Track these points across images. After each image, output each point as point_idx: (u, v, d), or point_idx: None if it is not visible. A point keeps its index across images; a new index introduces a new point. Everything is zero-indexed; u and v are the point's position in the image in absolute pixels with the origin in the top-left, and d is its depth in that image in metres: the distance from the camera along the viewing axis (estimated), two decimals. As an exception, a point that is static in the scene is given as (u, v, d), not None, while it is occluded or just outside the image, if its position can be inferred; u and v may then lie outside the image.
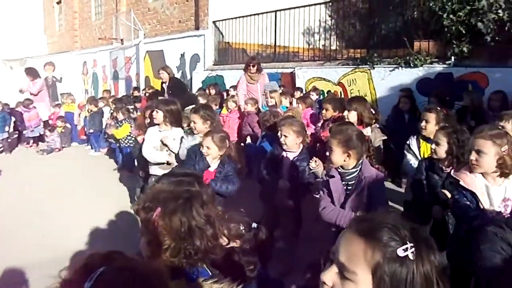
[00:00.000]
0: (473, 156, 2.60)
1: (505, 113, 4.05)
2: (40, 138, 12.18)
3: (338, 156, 2.98)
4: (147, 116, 5.94)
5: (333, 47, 9.95)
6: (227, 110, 8.08)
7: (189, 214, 1.54)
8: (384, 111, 7.39)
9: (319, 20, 10.15)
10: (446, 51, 7.27)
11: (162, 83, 8.84)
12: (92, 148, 11.37)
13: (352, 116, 4.18)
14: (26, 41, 20.95)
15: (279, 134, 4.11)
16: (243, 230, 2.64)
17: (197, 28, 12.31)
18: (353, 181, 3.04)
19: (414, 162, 4.00)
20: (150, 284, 1.06)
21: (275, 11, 10.15)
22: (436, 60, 7.42)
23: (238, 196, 6.24)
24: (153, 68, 14.07)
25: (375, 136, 4.24)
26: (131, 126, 8.47)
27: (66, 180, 8.02)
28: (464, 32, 6.91)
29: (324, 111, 5.57)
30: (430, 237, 1.06)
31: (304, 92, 8.69)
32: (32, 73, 12.16)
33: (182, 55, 12.87)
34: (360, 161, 3.05)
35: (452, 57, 7.17)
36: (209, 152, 3.79)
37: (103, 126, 10.86)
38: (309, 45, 10.85)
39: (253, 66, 7.78)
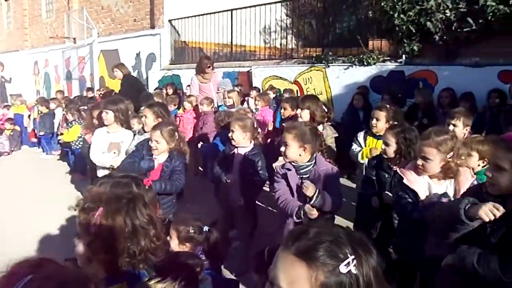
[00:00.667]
0: (420, 161, 2.66)
1: (456, 111, 4.14)
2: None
3: (294, 150, 3.03)
4: (94, 116, 5.77)
5: (290, 46, 10.02)
6: (183, 110, 7.97)
7: (133, 214, 1.52)
8: (339, 109, 7.53)
9: (276, 19, 10.18)
10: (398, 50, 7.46)
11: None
12: (43, 151, 10.93)
13: (304, 114, 4.21)
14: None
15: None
16: (193, 233, 2.63)
17: (152, 27, 12.08)
18: (308, 175, 3.11)
19: (358, 150, 4.22)
20: None
21: (231, 10, 10.10)
22: (389, 58, 7.59)
23: (195, 196, 6.23)
24: (108, 68, 13.70)
25: (327, 133, 4.28)
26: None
27: (16, 184, 7.67)
28: (414, 31, 7.10)
29: (282, 110, 5.59)
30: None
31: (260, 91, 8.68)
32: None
33: (138, 55, 12.60)
34: (314, 155, 3.11)
35: (404, 56, 7.36)
36: (157, 147, 3.68)
37: (55, 128, 10.49)
38: (265, 44, 10.84)
39: (209, 67, 7.70)
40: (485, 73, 6.60)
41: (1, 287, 1.01)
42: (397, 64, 7.46)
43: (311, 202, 2.97)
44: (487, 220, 1.76)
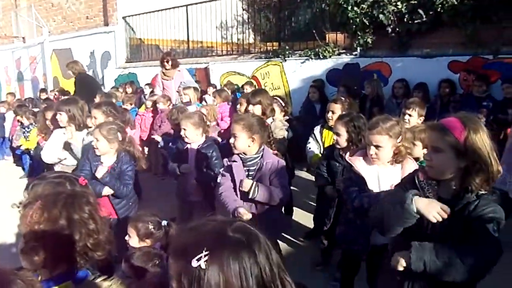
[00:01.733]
0: (372, 150, 2.66)
1: (411, 102, 4.21)
2: None
3: (242, 141, 3.04)
4: (48, 118, 5.54)
5: (248, 41, 9.96)
6: (145, 109, 7.81)
7: (71, 208, 1.53)
8: (297, 103, 7.57)
9: (233, 14, 10.10)
10: (353, 43, 7.55)
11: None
12: (-5, 158, 10.46)
13: (256, 109, 4.18)
14: None
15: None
16: (153, 229, 2.66)
17: (106, 24, 11.73)
18: (255, 167, 3.10)
19: (314, 148, 4.25)
20: None
21: (186, 6, 9.93)
22: (344, 51, 7.68)
23: (155, 196, 6.11)
24: (61, 68, 13.23)
25: (275, 125, 4.27)
26: (39, 130, 7.89)
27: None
28: (367, 23, 7.21)
29: (239, 106, 5.55)
30: (251, 241, 1.06)
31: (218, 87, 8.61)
32: None
33: (92, 53, 12.23)
34: (262, 147, 3.12)
35: (358, 48, 7.46)
36: (97, 145, 3.54)
37: (6, 133, 10.04)
38: (222, 39, 10.74)
39: (167, 62, 7.52)
40: (436, 63, 6.79)
41: None
42: (352, 56, 7.56)
43: (249, 196, 2.98)
44: (435, 221, 1.78)
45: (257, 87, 8.47)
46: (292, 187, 5.55)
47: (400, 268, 1.87)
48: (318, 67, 7.83)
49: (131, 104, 7.86)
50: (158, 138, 6.57)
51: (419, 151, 3.31)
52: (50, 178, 2.09)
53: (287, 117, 5.17)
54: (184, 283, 1.01)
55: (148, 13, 10.66)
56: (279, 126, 4.30)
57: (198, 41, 10.25)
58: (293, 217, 5.33)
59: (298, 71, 8.06)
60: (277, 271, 1.07)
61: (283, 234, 4.88)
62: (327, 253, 4.07)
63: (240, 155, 3.11)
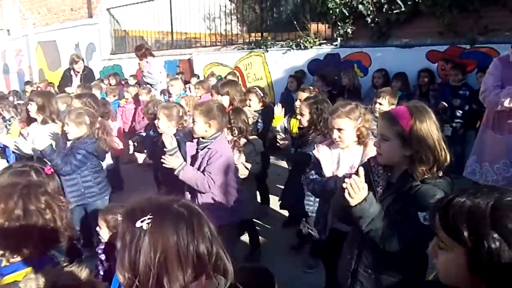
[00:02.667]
0: (335, 134, 2.75)
1: (382, 91, 4.31)
2: None
3: (200, 126, 3.18)
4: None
5: (235, 32, 9.95)
6: (125, 101, 7.82)
7: (27, 199, 1.61)
8: (279, 92, 7.61)
9: (219, 5, 10.09)
10: (333, 33, 7.59)
11: (69, 70, 8.63)
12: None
13: (224, 100, 4.24)
14: None
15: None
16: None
17: (90, 16, 11.67)
18: (202, 150, 3.24)
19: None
20: None
21: (170, -3, 9.92)
22: (325, 42, 7.72)
23: (136, 187, 6.14)
24: (47, 60, 13.18)
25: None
26: (21, 123, 7.88)
27: None
28: (347, 14, 7.24)
29: (209, 96, 5.60)
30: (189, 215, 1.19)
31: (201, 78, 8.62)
32: None
33: (77, 45, 12.16)
34: (218, 133, 3.24)
35: (339, 39, 7.50)
36: (67, 130, 3.68)
37: None
38: (208, 30, 10.72)
39: (137, 54, 7.59)
40: (414, 53, 6.85)
41: None
42: (332, 47, 7.60)
43: (175, 173, 3.14)
44: (353, 195, 1.82)
45: (239, 77, 8.52)
46: (270, 177, 5.70)
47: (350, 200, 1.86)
48: (299, 58, 7.87)
49: (114, 96, 7.85)
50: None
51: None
52: (16, 167, 2.20)
53: (263, 107, 5.25)
54: (126, 240, 1.14)
55: (132, 5, 10.62)
56: (249, 115, 4.35)
57: (183, 33, 10.24)
58: (270, 205, 5.42)
59: (280, 62, 8.09)
60: (213, 245, 1.19)
61: (259, 221, 4.98)
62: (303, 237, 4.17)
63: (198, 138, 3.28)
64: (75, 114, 3.70)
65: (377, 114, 3.70)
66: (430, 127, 1.88)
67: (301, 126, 3.65)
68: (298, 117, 3.67)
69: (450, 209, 1.08)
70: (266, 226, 4.99)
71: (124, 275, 1.14)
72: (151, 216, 1.14)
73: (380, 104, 4.01)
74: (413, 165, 1.89)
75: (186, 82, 8.34)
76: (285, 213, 5.03)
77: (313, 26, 7.88)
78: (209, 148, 3.15)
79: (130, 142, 7.66)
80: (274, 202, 5.31)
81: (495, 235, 1.00)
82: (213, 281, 1.20)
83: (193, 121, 3.21)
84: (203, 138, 3.22)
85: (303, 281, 3.72)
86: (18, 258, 1.57)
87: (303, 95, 4.27)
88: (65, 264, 1.61)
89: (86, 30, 11.77)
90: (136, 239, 1.12)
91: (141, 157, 6.72)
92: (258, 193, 5.42)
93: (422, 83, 6.54)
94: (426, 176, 1.89)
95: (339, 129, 2.69)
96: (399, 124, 1.89)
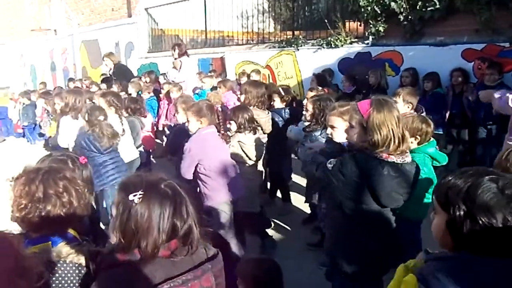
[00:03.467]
0: (329, 130, 2.80)
1: (399, 90, 4.26)
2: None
3: (193, 124, 3.60)
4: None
5: (269, 30, 9.97)
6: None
7: (46, 183, 1.79)
8: (308, 91, 7.54)
9: (253, 4, 10.12)
10: (365, 31, 7.45)
11: (110, 70, 8.92)
12: (28, 141, 11.08)
13: (242, 98, 4.43)
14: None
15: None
16: None
17: (129, 15, 12.04)
18: None
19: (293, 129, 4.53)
20: None
21: (205, -4, 10.07)
22: (356, 40, 7.59)
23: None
24: (89, 58, 13.71)
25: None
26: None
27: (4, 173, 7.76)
28: (379, 12, 7.08)
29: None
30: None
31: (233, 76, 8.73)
32: None
33: (117, 44, 12.58)
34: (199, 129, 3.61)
35: (370, 37, 7.35)
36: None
37: (37, 120, 10.61)
38: (242, 29, 10.77)
39: (172, 55, 7.81)
40: (449, 52, 6.60)
41: None
42: (364, 45, 7.46)
43: None
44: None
45: (270, 76, 8.53)
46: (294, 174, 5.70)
47: None
48: (330, 56, 7.78)
49: (149, 93, 8.10)
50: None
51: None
52: (55, 156, 2.44)
53: (288, 107, 5.27)
54: (120, 209, 1.47)
55: (168, 5, 10.86)
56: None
57: (216, 31, 10.37)
58: (294, 203, 5.42)
59: (311, 60, 8.03)
60: (187, 221, 1.51)
61: (277, 220, 4.99)
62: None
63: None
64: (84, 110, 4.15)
65: None
66: (387, 117, 2.22)
67: (305, 120, 4.04)
68: (304, 112, 3.98)
69: (442, 185, 1.37)
70: (287, 223, 5.00)
71: (116, 236, 1.48)
72: (142, 192, 1.45)
73: (396, 102, 3.89)
74: (374, 148, 2.24)
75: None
76: (308, 210, 5.02)
77: (343, 25, 7.76)
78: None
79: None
80: (298, 200, 5.31)
81: (463, 207, 1.26)
82: (184, 248, 1.52)
83: (187, 121, 3.63)
84: None
85: (316, 277, 3.69)
86: (39, 234, 1.77)
87: (310, 94, 4.73)
88: (84, 242, 1.85)
89: (126, 29, 12.15)
90: (128, 210, 1.45)
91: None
92: (279, 191, 5.48)
93: (455, 83, 6.29)
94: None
95: (332, 126, 2.73)
96: (360, 114, 2.27)
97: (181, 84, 7.51)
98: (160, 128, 7.93)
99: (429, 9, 6.66)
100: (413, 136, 3.23)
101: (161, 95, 8.02)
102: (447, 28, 6.69)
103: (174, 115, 7.47)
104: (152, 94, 8.41)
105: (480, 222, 1.22)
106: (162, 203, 1.46)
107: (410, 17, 6.88)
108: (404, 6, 6.84)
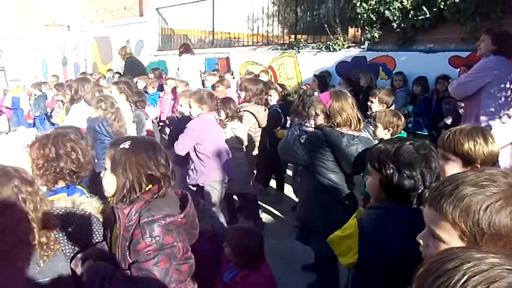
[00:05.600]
0: (312, 117, 3.27)
1: (374, 91, 4.70)
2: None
3: (195, 110, 4.13)
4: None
5: (275, 33, 10.45)
6: (164, 93, 8.59)
7: (57, 145, 2.22)
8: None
9: (262, 7, 10.60)
10: (361, 37, 7.96)
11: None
12: (38, 131, 11.55)
13: (242, 94, 4.91)
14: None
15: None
16: None
17: (141, 14, 12.60)
18: None
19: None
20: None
21: (213, -1, 10.60)
22: (353, 45, 8.10)
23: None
24: (100, 54, 14.27)
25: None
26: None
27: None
28: (375, 19, 7.59)
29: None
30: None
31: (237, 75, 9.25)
32: None
33: (128, 41, 13.10)
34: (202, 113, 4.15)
35: (366, 42, 7.87)
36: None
37: (48, 110, 11.14)
38: (251, 31, 11.27)
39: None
40: (437, 58, 7.10)
41: None
42: (360, 50, 7.97)
43: None
44: None
45: (272, 76, 9.04)
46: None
47: None
48: (328, 59, 8.29)
49: (153, 88, 8.62)
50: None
51: (381, 132, 3.83)
52: (61, 128, 2.94)
53: (282, 101, 5.83)
54: (114, 158, 1.84)
55: (179, 5, 11.40)
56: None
57: (223, 32, 10.90)
58: (285, 193, 5.94)
59: (310, 63, 8.54)
60: (165, 167, 1.90)
61: (270, 207, 5.53)
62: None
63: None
64: (96, 99, 4.56)
65: (368, 112, 4.22)
66: (343, 105, 2.84)
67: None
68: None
69: (374, 152, 1.81)
70: (278, 209, 5.52)
71: (114, 180, 1.84)
72: (130, 142, 1.87)
73: (372, 102, 4.41)
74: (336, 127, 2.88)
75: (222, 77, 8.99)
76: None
77: (342, 30, 8.27)
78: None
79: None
80: (290, 190, 5.83)
81: (392, 165, 1.71)
82: (159, 188, 1.87)
83: (190, 107, 4.16)
84: None
85: (300, 253, 4.21)
86: (56, 187, 2.24)
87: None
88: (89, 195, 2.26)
89: (137, 28, 12.70)
90: (120, 156, 1.83)
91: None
92: (274, 181, 6.01)
93: (439, 89, 6.77)
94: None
95: (316, 114, 3.18)
96: (322, 103, 2.82)
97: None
98: (166, 121, 8.42)
99: (420, 17, 7.16)
100: (386, 129, 3.72)
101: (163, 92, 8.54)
102: (436, 36, 7.19)
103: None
104: (156, 88, 8.97)
105: (404, 175, 1.68)
106: (146, 148, 1.87)
107: (402, 24, 7.38)
108: (397, 14, 7.34)
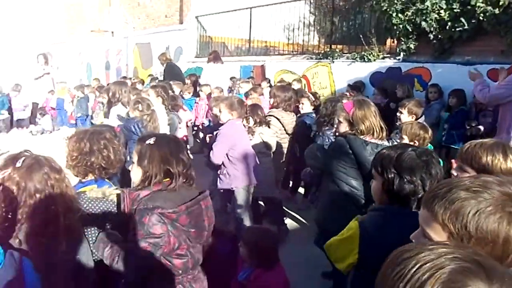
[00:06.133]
0: (336, 123, 3.32)
1: (405, 101, 4.68)
2: (31, 121, 13.02)
3: (225, 115, 4.24)
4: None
5: (313, 43, 10.51)
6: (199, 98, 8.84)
7: (91, 141, 2.41)
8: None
9: (299, 16, 10.69)
10: (397, 48, 7.89)
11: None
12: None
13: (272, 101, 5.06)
14: (27, 32, 21.82)
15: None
16: None
17: (181, 22, 12.96)
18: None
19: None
20: None
21: (250, 8, 10.77)
22: (388, 55, 8.04)
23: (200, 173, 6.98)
24: (141, 59, 14.74)
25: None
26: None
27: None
28: (410, 30, 7.52)
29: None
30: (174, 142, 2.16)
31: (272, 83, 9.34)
32: (44, 58, 13.12)
33: (167, 48, 13.48)
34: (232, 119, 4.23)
35: (401, 53, 7.79)
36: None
37: (89, 111, 11.64)
38: (288, 40, 11.37)
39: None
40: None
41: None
42: (395, 61, 7.90)
43: None
44: None
45: (306, 85, 9.09)
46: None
47: None
48: (362, 70, 8.26)
49: (189, 93, 8.86)
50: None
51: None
52: (99, 127, 3.17)
53: (314, 110, 5.88)
54: (141, 152, 2.09)
55: (217, 14, 11.66)
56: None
57: (260, 41, 11.05)
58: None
59: (344, 73, 8.53)
60: (182, 161, 2.11)
61: (296, 214, 5.57)
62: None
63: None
64: (134, 101, 4.78)
65: (397, 123, 4.21)
66: (366, 113, 2.91)
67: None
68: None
69: (377, 157, 1.90)
70: (303, 216, 5.57)
71: (139, 172, 2.09)
72: (155, 138, 2.12)
73: (401, 113, 4.39)
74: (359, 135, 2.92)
75: (258, 85, 9.12)
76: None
77: (378, 41, 8.22)
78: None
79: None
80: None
81: (393, 170, 1.80)
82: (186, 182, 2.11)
83: (219, 111, 4.29)
84: None
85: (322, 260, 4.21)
86: (88, 179, 2.42)
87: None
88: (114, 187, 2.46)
89: (176, 35, 13.07)
90: (145, 150, 2.08)
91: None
92: (302, 188, 6.05)
93: (476, 102, 6.62)
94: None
95: (339, 121, 3.26)
96: (346, 111, 2.87)
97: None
98: (200, 126, 8.64)
99: (458, 29, 7.03)
100: (411, 141, 3.71)
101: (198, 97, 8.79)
102: (475, 48, 7.04)
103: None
104: (191, 94, 9.22)
105: (405, 179, 1.75)
106: (169, 144, 2.11)
107: (439, 36, 7.27)
108: (434, 25, 7.24)
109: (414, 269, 0.80)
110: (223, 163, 4.19)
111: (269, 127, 4.69)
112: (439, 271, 0.78)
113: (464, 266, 0.79)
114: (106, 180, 2.48)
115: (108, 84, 12.68)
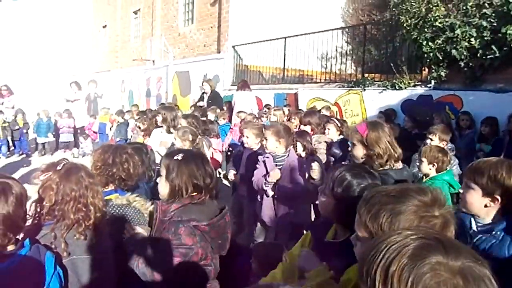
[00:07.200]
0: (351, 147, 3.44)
1: (434, 128, 4.78)
2: (75, 144, 13.75)
3: (271, 143, 4.09)
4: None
5: (349, 71, 10.70)
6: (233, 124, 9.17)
7: (114, 154, 2.71)
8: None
9: (336, 45, 10.89)
10: (427, 76, 7.98)
11: (203, 93, 10.79)
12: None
13: (306, 128, 5.14)
14: (74, 61, 23.20)
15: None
16: None
17: (218, 51, 13.49)
18: (283, 163, 4.09)
19: None
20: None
21: (285, 38, 11.13)
22: (419, 83, 8.13)
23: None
24: (180, 87, 15.35)
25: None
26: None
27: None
28: (441, 58, 7.61)
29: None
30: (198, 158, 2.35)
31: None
32: (77, 85, 13.93)
33: (205, 76, 14.01)
34: (288, 149, 4.13)
35: (432, 81, 7.86)
36: (175, 143, 4.83)
37: (128, 135, 12.18)
38: (324, 69, 11.58)
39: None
40: (508, 98, 6.92)
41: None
42: (426, 88, 7.97)
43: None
44: None
45: (337, 112, 9.26)
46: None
47: None
48: (393, 97, 8.37)
49: (224, 119, 9.19)
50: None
51: (425, 167, 3.95)
52: (134, 144, 3.60)
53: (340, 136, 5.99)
54: (169, 167, 2.23)
55: (253, 43, 12.09)
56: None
57: (294, 69, 11.36)
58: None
59: (376, 100, 8.66)
60: (211, 178, 2.28)
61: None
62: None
63: (272, 154, 4.13)
64: (182, 132, 4.81)
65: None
66: (381, 134, 2.76)
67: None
68: None
69: (332, 178, 2.01)
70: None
71: (167, 186, 2.23)
72: (182, 154, 2.28)
73: (431, 139, 4.48)
74: (370, 161, 2.76)
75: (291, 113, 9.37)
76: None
77: (409, 69, 8.33)
78: (291, 161, 4.09)
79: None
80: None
81: (339, 190, 1.95)
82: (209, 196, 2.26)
83: (265, 139, 4.13)
84: (273, 152, 4.11)
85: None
86: (108, 188, 2.69)
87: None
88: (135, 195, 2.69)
89: (214, 64, 13.59)
90: (173, 165, 2.23)
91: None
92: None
93: (511, 129, 6.58)
94: (382, 167, 2.75)
95: (352, 144, 3.21)
96: (359, 133, 2.78)
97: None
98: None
99: (489, 56, 7.07)
100: (430, 163, 3.83)
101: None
102: (507, 75, 7.04)
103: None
104: (226, 120, 9.55)
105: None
106: (195, 160, 2.27)
107: (470, 63, 7.33)
108: (464, 53, 7.31)
109: (385, 250, 0.96)
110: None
111: (316, 153, 4.68)
112: (404, 249, 0.94)
113: (426, 242, 0.95)
114: (125, 190, 2.75)
115: (147, 109, 13.33)
